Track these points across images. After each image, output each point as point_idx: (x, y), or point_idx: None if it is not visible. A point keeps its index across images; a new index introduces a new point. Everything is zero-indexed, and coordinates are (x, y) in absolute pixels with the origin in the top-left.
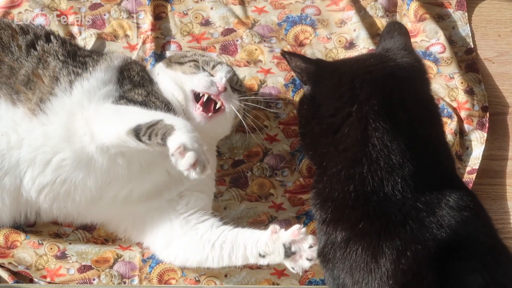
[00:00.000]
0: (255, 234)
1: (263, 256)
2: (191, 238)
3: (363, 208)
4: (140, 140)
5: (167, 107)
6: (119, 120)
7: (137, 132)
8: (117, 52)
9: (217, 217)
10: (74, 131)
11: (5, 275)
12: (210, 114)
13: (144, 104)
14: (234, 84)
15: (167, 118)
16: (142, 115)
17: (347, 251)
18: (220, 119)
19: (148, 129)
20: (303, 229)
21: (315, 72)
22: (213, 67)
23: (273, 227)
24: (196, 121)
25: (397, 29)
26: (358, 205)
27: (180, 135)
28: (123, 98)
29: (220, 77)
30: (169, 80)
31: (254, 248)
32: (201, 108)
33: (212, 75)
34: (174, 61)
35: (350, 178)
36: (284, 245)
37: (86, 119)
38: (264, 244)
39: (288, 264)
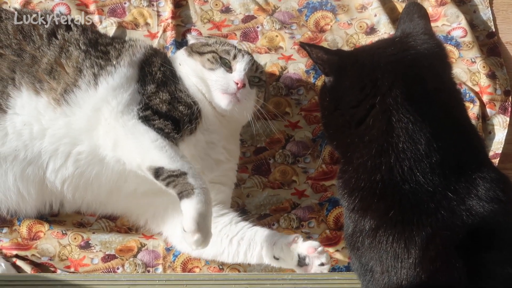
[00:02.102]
0: (274, 236)
1: (277, 259)
2: None
3: (393, 197)
4: (157, 179)
5: (191, 110)
6: (145, 152)
7: (157, 173)
8: (138, 41)
9: (236, 212)
10: (96, 127)
11: (28, 268)
12: (239, 92)
13: (169, 116)
14: (254, 72)
15: (191, 174)
16: (170, 159)
17: (376, 239)
18: (240, 106)
19: (169, 177)
20: (320, 248)
21: (338, 63)
22: (234, 56)
23: (296, 236)
24: (223, 107)
25: (417, 11)
26: (387, 194)
27: (195, 204)
28: (149, 108)
29: (239, 70)
30: (191, 72)
31: (269, 249)
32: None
33: (231, 67)
34: (195, 50)
35: (376, 168)
36: (299, 255)
37: (113, 127)
38: (280, 248)
39: (299, 271)
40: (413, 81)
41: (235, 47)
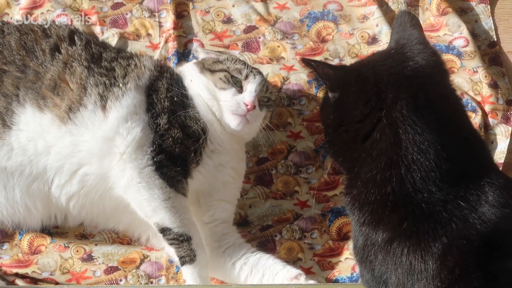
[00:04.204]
0: (276, 266)
1: None
2: (213, 252)
3: (405, 208)
4: (161, 235)
5: (199, 143)
6: (155, 210)
7: (163, 231)
8: (142, 59)
9: (239, 234)
10: (107, 156)
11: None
12: (249, 114)
13: (180, 157)
14: (264, 93)
15: (196, 240)
16: (179, 222)
17: (390, 252)
18: (250, 126)
19: (174, 239)
20: None
21: (343, 79)
22: (246, 76)
23: (299, 274)
24: (232, 127)
25: (409, 21)
26: (399, 205)
27: (199, 270)
28: (162, 151)
29: (250, 91)
30: (203, 89)
31: (270, 279)
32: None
33: (242, 87)
34: (207, 68)
35: (387, 180)
36: None
37: (129, 168)
38: (281, 281)
39: None
40: (415, 92)
41: (247, 65)
